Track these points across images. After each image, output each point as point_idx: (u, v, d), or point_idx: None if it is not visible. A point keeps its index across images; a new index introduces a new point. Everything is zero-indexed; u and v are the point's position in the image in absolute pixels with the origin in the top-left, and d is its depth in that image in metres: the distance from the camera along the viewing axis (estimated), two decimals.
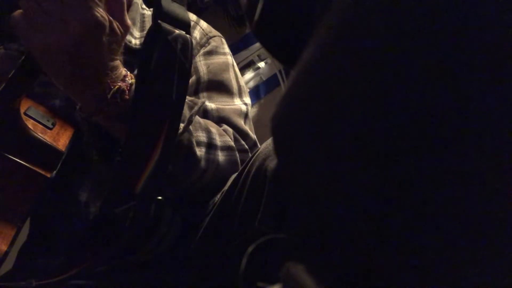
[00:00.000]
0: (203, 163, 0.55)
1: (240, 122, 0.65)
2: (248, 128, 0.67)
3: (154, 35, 0.43)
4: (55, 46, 0.40)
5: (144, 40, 0.45)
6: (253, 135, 0.67)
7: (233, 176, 0.57)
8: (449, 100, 0.17)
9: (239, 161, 0.61)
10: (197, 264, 0.56)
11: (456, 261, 0.18)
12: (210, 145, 0.57)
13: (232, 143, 0.60)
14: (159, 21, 0.43)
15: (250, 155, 0.63)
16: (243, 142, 0.63)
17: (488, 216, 0.17)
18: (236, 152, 0.61)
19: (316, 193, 0.22)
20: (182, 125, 0.51)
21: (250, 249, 0.33)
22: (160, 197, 0.48)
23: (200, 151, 0.54)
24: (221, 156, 0.58)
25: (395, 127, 0.18)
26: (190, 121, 0.53)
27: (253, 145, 0.66)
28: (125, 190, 0.44)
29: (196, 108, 0.54)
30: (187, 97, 0.57)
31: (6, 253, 0.48)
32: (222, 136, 0.59)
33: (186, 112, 0.52)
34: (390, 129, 0.18)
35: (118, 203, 0.44)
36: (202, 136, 0.56)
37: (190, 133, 0.53)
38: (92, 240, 0.49)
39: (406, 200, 0.18)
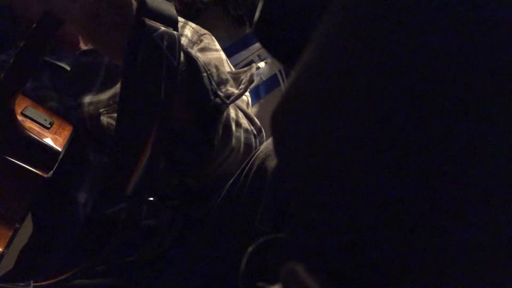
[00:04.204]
0: (233, 140, 0.54)
1: (245, 107, 0.65)
2: None
3: (138, 33, 0.42)
4: None
5: (128, 39, 0.43)
6: (257, 121, 0.65)
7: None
8: (449, 104, 0.17)
9: (253, 144, 0.60)
10: (197, 264, 0.56)
11: (455, 266, 0.18)
12: (238, 123, 0.56)
13: (248, 126, 0.59)
14: (143, 18, 0.41)
15: (256, 141, 0.63)
16: (252, 128, 0.62)
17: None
18: (252, 136, 0.60)
19: (316, 192, 0.22)
20: (234, 91, 0.50)
21: (250, 249, 0.33)
22: (151, 198, 0.47)
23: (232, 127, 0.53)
24: (243, 137, 0.57)
25: (396, 127, 0.18)
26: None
27: (258, 130, 0.65)
28: (116, 192, 0.43)
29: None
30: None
31: (2, 255, 0.47)
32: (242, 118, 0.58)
33: (233, 85, 0.51)
34: (391, 129, 0.18)
35: (109, 204, 0.43)
36: (232, 113, 0.55)
37: (227, 106, 0.51)
38: (88, 240, 0.49)
39: (405, 203, 0.18)
